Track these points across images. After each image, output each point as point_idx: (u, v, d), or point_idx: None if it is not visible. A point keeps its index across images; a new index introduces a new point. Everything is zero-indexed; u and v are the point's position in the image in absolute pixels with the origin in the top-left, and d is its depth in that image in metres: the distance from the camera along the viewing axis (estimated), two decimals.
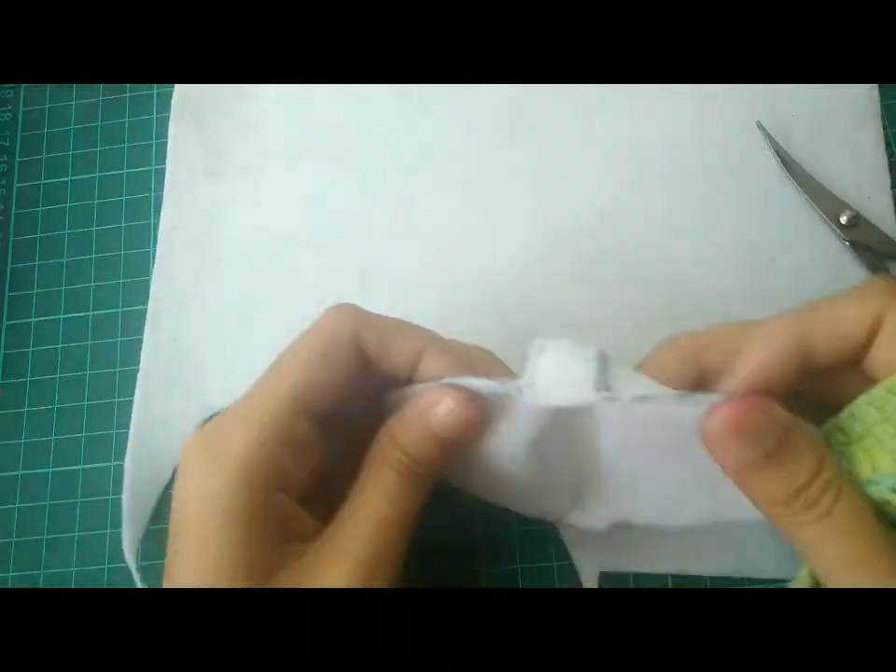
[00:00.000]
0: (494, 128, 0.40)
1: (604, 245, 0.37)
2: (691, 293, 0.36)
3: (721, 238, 0.37)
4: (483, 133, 0.40)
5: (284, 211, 0.40)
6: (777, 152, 0.37)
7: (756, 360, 0.23)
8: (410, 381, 0.26)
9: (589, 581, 0.32)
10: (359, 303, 0.37)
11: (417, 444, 0.24)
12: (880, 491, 0.22)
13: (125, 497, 0.35)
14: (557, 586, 0.32)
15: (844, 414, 0.23)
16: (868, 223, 0.36)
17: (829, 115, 0.38)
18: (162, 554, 0.34)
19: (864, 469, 0.22)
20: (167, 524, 0.35)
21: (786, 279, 0.36)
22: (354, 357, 0.25)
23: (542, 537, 0.33)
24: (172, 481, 0.36)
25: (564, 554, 0.33)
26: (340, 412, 0.26)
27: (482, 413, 0.24)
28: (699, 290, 0.36)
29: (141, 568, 0.34)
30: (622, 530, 0.30)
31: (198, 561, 0.23)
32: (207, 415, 0.37)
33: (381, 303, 0.37)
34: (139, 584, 0.34)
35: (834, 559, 0.21)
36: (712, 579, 0.32)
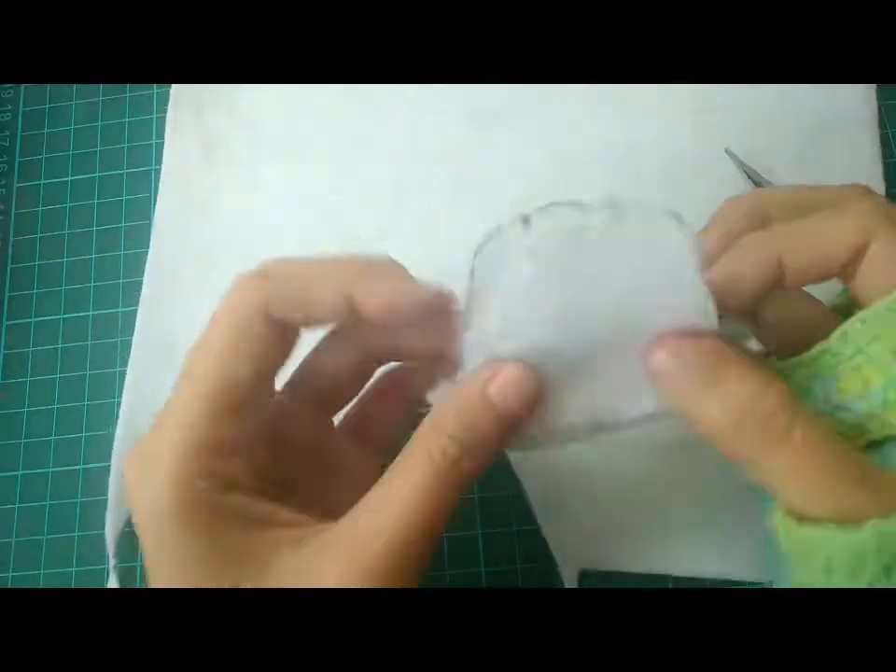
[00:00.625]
0: (486, 125, 0.40)
1: None
2: None
3: None
4: (476, 131, 0.40)
5: (278, 204, 0.40)
6: (749, 176, 0.37)
7: (728, 268, 0.23)
8: (354, 327, 0.25)
9: (570, 580, 0.32)
10: None
11: (472, 427, 0.22)
12: (870, 405, 0.22)
13: (110, 487, 0.36)
14: (564, 586, 0.33)
15: (835, 335, 0.23)
16: None
17: (825, 118, 0.38)
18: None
19: (854, 386, 0.22)
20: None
21: None
22: (270, 331, 0.23)
23: (539, 537, 0.33)
24: None
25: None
26: (274, 392, 0.25)
27: (539, 383, 0.22)
28: None
29: (118, 567, 0.35)
30: (604, 530, 0.30)
31: (161, 568, 0.23)
32: None
33: None
34: (112, 575, 0.34)
35: (804, 487, 0.20)
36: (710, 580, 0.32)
